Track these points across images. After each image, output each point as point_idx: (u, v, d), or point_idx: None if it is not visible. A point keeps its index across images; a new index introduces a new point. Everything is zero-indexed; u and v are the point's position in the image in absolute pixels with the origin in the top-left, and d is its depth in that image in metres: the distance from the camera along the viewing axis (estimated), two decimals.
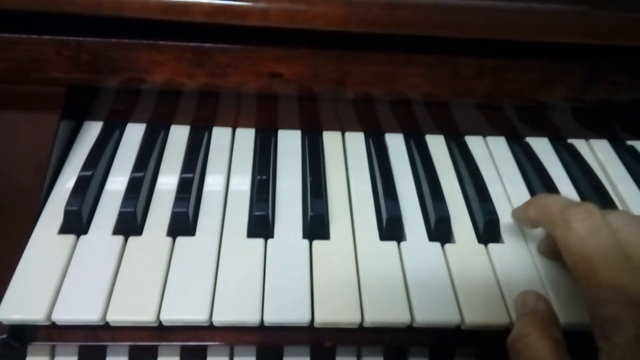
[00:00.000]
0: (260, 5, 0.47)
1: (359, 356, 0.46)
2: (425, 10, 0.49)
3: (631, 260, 0.35)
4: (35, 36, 0.49)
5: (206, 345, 0.44)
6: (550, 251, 0.46)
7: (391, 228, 0.48)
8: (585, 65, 0.55)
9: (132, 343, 0.43)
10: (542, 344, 0.37)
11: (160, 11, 0.47)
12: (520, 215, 0.47)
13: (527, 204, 0.45)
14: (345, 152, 0.57)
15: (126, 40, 0.50)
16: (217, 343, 0.43)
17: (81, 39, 0.50)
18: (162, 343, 0.43)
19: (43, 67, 0.51)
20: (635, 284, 0.34)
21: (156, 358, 0.44)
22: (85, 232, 0.46)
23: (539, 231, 0.49)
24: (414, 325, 0.42)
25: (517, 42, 0.52)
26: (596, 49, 0.53)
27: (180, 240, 0.46)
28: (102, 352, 0.44)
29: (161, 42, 0.50)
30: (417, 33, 0.50)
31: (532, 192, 0.54)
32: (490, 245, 0.48)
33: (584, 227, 0.37)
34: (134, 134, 0.56)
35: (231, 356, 0.45)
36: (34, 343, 0.43)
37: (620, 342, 0.33)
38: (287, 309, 0.42)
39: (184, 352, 0.44)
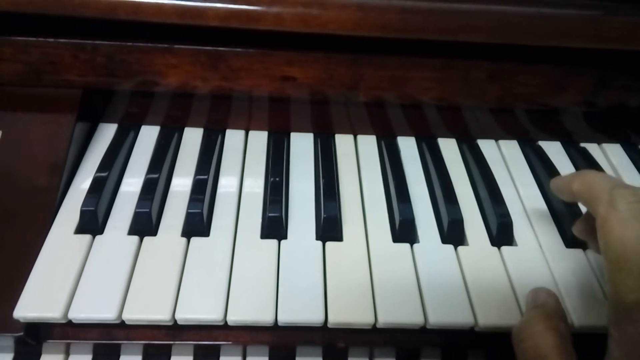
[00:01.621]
0: (274, 9, 0.48)
1: (371, 357, 0.46)
2: (437, 15, 0.49)
3: None
4: (52, 39, 0.50)
5: (219, 345, 0.44)
6: (586, 233, 0.45)
7: (404, 230, 0.48)
8: (596, 70, 0.56)
9: (146, 342, 0.43)
10: (546, 335, 0.37)
11: (176, 15, 0.47)
12: (563, 186, 0.45)
13: (572, 176, 0.44)
14: (358, 155, 0.57)
15: (141, 44, 0.51)
16: (231, 342, 0.43)
17: (97, 42, 0.50)
18: (176, 342, 0.43)
19: (59, 69, 0.52)
20: None
21: (170, 357, 0.45)
22: (101, 232, 0.46)
23: (553, 233, 0.50)
24: (427, 326, 0.42)
25: (528, 47, 0.52)
26: (607, 53, 0.53)
27: (195, 240, 0.46)
28: (116, 350, 0.44)
29: (176, 46, 0.51)
30: (428, 37, 0.50)
31: (545, 194, 0.54)
32: (504, 248, 0.48)
33: (630, 210, 0.35)
34: (148, 136, 0.57)
35: (244, 355, 0.45)
36: (49, 341, 0.43)
37: (633, 332, 0.32)
38: (300, 309, 0.42)
39: (197, 351, 0.45)
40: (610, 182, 0.39)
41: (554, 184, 0.47)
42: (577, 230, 0.47)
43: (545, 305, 0.41)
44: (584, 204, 0.42)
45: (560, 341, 0.37)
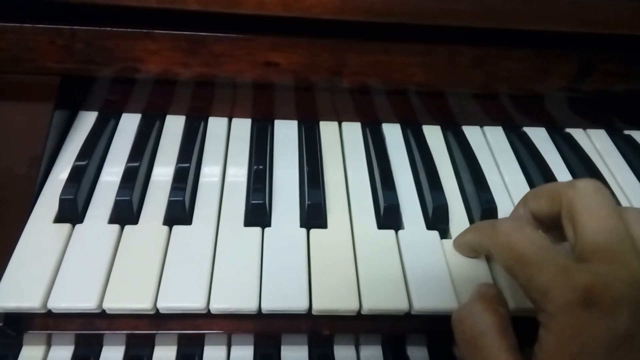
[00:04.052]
0: None
1: (357, 344, 0.46)
2: None
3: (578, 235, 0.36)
4: (29, 25, 0.49)
5: (203, 334, 0.43)
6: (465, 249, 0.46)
7: (389, 217, 0.48)
8: (581, 54, 0.55)
9: (129, 331, 0.42)
10: (484, 315, 0.38)
11: None
12: (460, 243, 0.46)
13: (463, 231, 0.46)
14: (342, 142, 0.57)
15: (120, 29, 0.50)
16: (215, 331, 0.43)
17: (75, 27, 0.49)
18: (159, 331, 0.43)
19: (36, 56, 0.50)
20: (563, 257, 0.35)
21: (153, 347, 0.44)
22: (81, 221, 0.46)
23: None
24: (412, 312, 0.42)
25: (514, 31, 0.51)
26: (592, 38, 0.53)
27: (177, 228, 0.45)
28: (98, 340, 0.44)
29: (155, 31, 0.50)
30: (413, 21, 0.50)
31: (530, 181, 0.55)
32: None
33: (509, 227, 0.38)
34: (129, 124, 0.56)
35: (229, 344, 0.45)
36: (29, 332, 0.42)
37: (552, 310, 0.33)
38: (284, 297, 0.41)
39: (181, 340, 0.44)
40: (493, 220, 0.44)
41: (454, 245, 0.47)
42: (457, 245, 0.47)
43: (485, 293, 0.41)
44: (480, 250, 0.44)
45: (499, 321, 0.37)
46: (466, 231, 0.46)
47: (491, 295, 0.40)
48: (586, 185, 0.38)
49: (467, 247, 0.45)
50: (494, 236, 0.39)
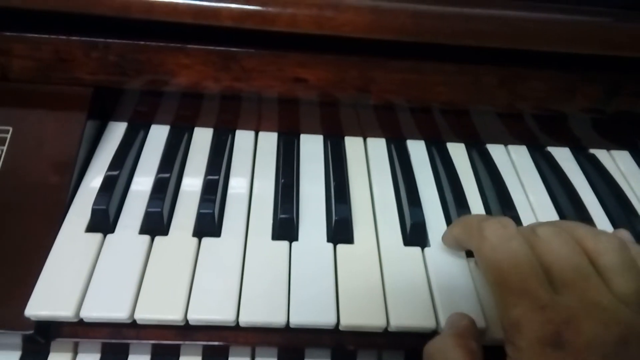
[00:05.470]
0: (289, 11, 0.47)
1: (379, 359, 0.46)
2: (450, 19, 0.49)
3: (548, 271, 0.36)
4: (64, 37, 0.50)
5: (228, 346, 0.44)
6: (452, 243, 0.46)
7: (415, 234, 0.48)
8: (606, 76, 0.56)
9: (156, 341, 0.43)
10: (455, 351, 0.37)
11: (190, 15, 0.47)
12: (448, 238, 0.46)
13: (452, 224, 0.46)
14: (368, 158, 0.57)
15: (153, 43, 0.51)
16: (241, 344, 0.43)
17: (109, 40, 0.50)
18: (186, 342, 0.43)
19: (71, 67, 0.51)
20: (544, 288, 0.35)
21: (178, 357, 0.45)
22: (112, 231, 0.46)
23: None
24: (439, 330, 0.42)
25: (539, 52, 0.52)
26: (618, 60, 0.53)
27: (206, 240, 0.46)
28: (124, 349, 0.44)
29: (188, 46, 0.51)
30: (441, 42, 0.50)
31: (555, 200, 0.55)
32: None
33: (496, 236, 0.38)
34: (158, 135, 0.57)
35: (252, 356, 0.45)
36: (58, 339, 0.43)
37: (522, 346, 0.33)
38: (313, 312, 0.42)
39: (206, 351, 0.45)
40: (480, 217, 0.42)
41: (443, 239, 0.47)
42: (445, 240, 0.47)
43: (458, 326, 0.40)
44: (466, 246, 0.44)
45: (470, 357, 0.37)
46: (454, 225, 0.45)
47: (463, 328, 0.40)
48: (546, 231, 0.38)
49: (454, 242, 0.45)
50: (479, 242, 0.39)
